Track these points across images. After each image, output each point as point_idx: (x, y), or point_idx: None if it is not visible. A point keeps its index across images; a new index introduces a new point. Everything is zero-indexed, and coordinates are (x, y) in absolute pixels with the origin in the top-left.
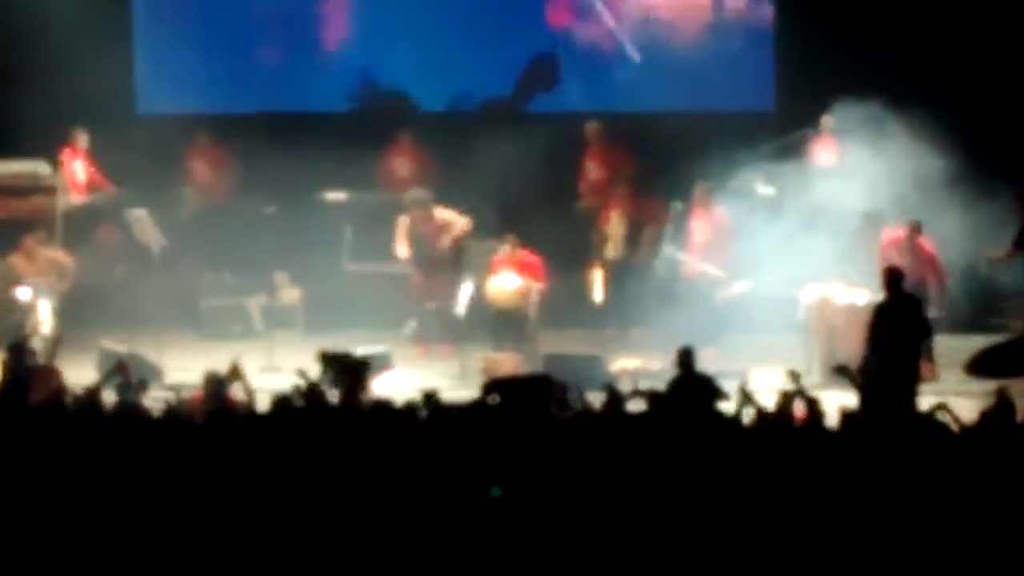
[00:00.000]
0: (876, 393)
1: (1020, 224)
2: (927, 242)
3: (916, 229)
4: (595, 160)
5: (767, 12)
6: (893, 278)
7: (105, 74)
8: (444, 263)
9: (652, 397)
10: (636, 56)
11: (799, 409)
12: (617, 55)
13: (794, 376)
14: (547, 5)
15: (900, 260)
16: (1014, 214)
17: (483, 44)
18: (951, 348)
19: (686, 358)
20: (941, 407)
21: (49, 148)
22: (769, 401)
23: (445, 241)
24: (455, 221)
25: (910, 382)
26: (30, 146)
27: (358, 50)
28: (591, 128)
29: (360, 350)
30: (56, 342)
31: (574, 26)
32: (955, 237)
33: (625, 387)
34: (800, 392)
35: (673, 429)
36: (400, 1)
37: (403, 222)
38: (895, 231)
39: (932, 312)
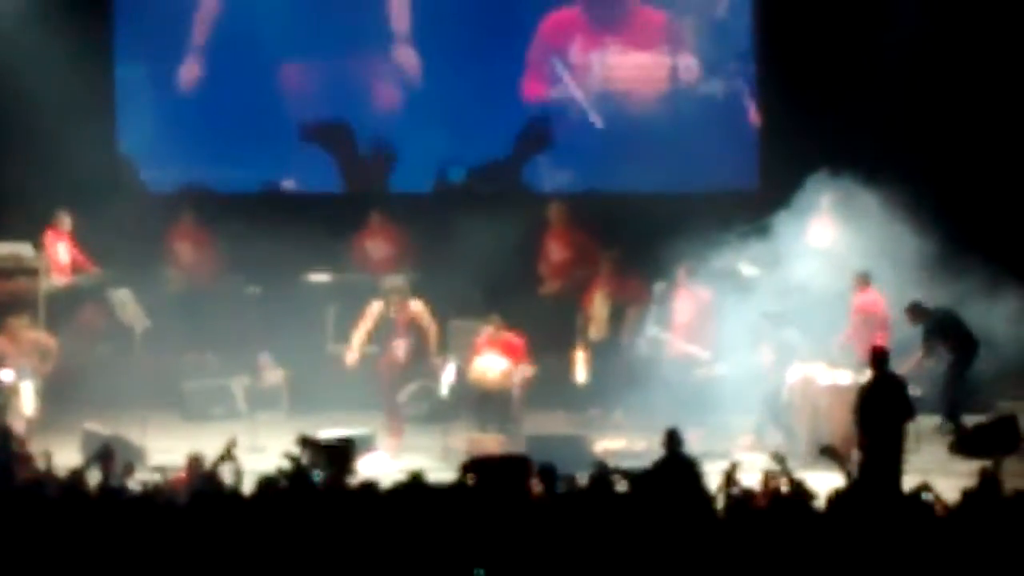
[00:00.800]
0: (863, 473)
1: (924, 329)
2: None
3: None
4: (558, 242)
5: (748, 95)
6: (878, 358)
7: (89, 153)
8: (407, 352)
9: (636, 478)
10: (599, 123)
11: (784, 490)
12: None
13: (778, 458)
14: (522, 79)
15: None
16: (983, 295)
17: (462, 121)
18: (935, 427)
19: (673, 439)
20: (925, 487)
21: (33, 229)
22: (753, 482)
23: (410, 335)
24: (427, 325)
25: (895, 462)
26: (13, 228)
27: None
28: (555, 209)
29: (343, 432)
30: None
31: (549, 99)
32: None
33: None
34: (785, 473)
35: (658, 510)
36: (364, 83)
37: (373, 309)
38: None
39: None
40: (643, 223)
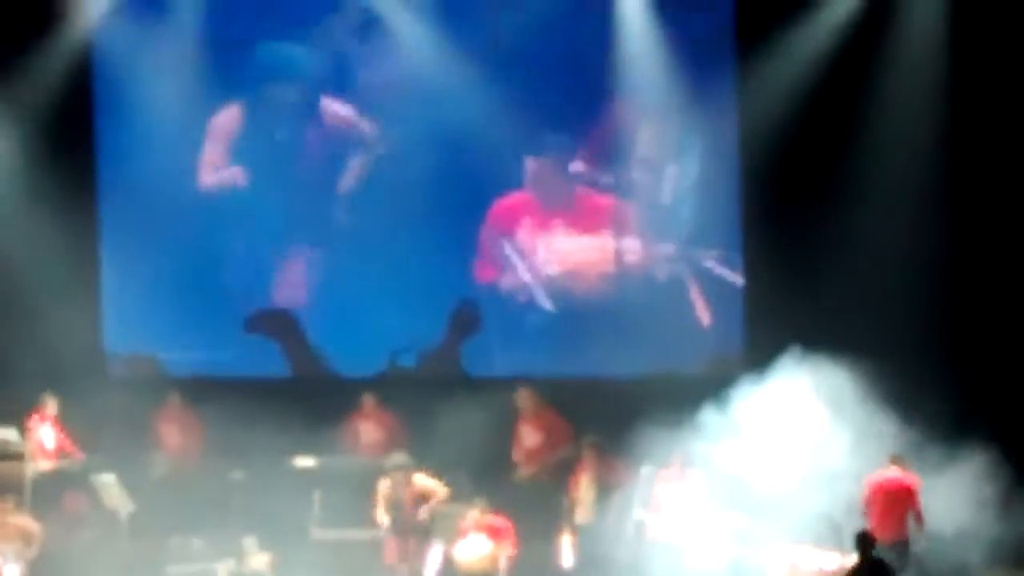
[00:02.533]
0: None
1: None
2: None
3: (897, 463)
4: (530, 426)
5: (691, 277)
6: (865, 543)
7: (73, 337)
8: (418, 530)
9: None
10: (548, 306)
11: None
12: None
13: None
14: (472, 261)
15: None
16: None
17: (414, 306)
18: None
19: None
20: None
21: (17, 413)
22: None
23: (423, 511)
24: (434, 490)
25: None
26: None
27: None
28: (523, 395)
29: None
30: None
31: (499, 283)
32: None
33: None
34: None
35: None
36: (340, 269)
37: (384, 486)
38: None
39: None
40: (609, 405)
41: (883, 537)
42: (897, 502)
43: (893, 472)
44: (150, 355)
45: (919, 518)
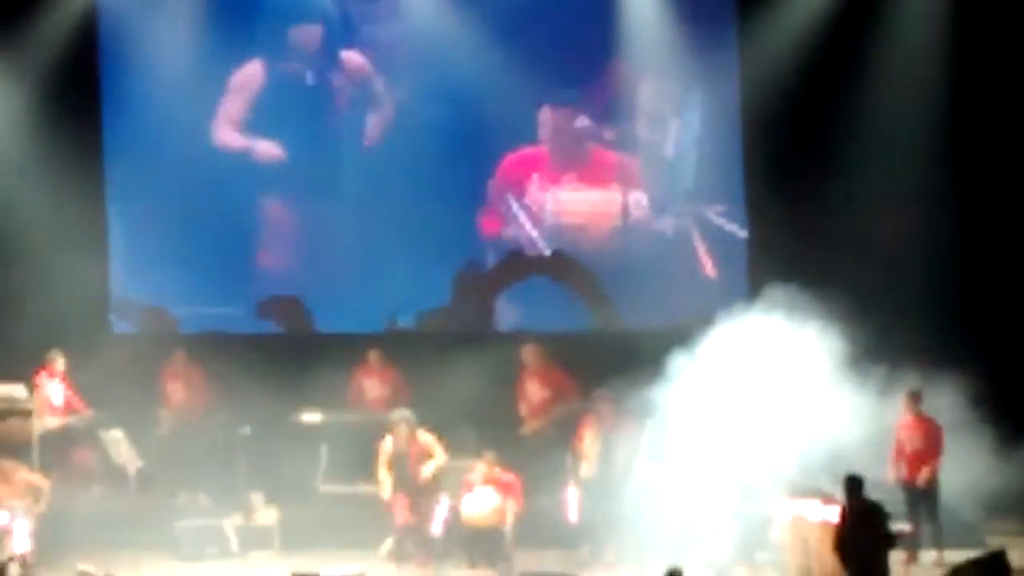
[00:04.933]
0: None
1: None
2: (929, 416)
3: (915, 400)
4: (536, 382)
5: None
6: (852, 486)
7: (80, 293)
8: (423, 488)
9: None
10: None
11: None
12: None
13: None
14: (477, 215)
15: (909, 437)
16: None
17: (422, 259)
18: (924, 565)
19: None
20: None
21: (25, 370)
22: None
23: (426, 471)
24: (435, 452)
25: None
26: (5, 369)
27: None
28: (529, 351)
29: (335, 571)
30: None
31: (505, 236)
32: None
33: None
34: None
35: None
36: (340, 221)
37: (386, 445)
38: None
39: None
40: (615, 359)
41: (914, 478)
42: (924, 442)
43: (915, 413)
44: (160, 307)
45: (936, 458)
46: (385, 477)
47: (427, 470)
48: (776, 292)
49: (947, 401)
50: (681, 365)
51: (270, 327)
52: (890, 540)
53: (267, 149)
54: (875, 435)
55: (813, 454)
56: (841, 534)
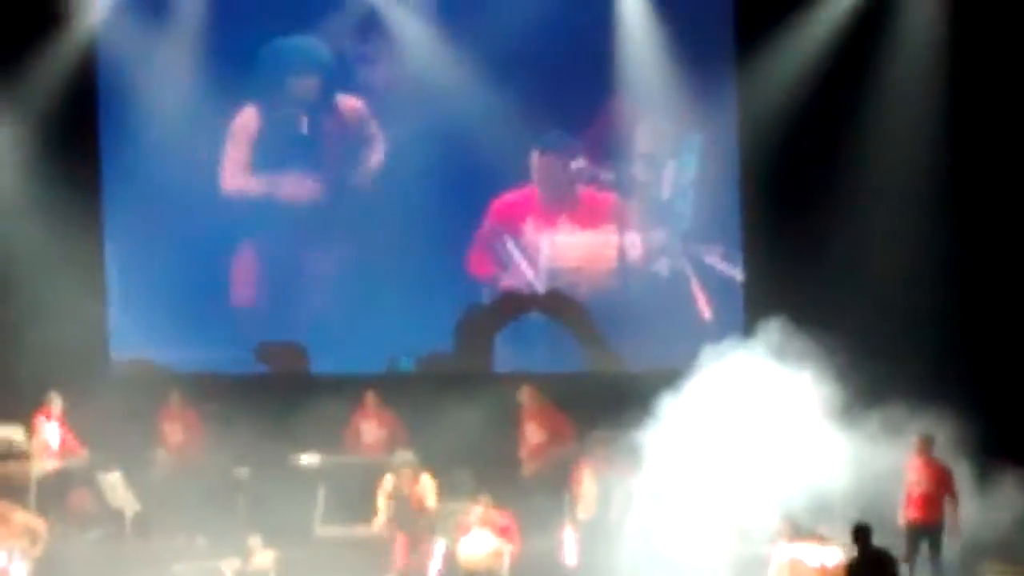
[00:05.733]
0: None
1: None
2: (939, 459)
3: (926, 445)
4: (533, 423)
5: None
6: (861, 535)
7: (79, 334)
8: (422, 526)
9: None
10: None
11: None
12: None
13: None
14: (468, 257)
15: (918, 480)
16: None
17: (418, 302)
18: None
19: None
20: None
21: (22, 408)
22: None
23: (426, 508)
24: (429, 501)
25: None
26: (4, 410)
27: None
28: (526, 392)
29: None
30: None
31: (498, 279)
32: None
33: None
34: None
35: None
36: (336, 265)
37: (388, 482)
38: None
39: (949, 535)
40: (611, 401)
41: (925, 520)
42: (936, 485)
43: (926, 455)
44: (148, 359)
45: (955, 503)
46: (383, 506)
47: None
48: (769, 331)
49: (943, 440)
50: (675, 406)
51: (268, 370)
52: None
53: (292, 186)
54: (871, 478)
55: (808, 497)
56: None
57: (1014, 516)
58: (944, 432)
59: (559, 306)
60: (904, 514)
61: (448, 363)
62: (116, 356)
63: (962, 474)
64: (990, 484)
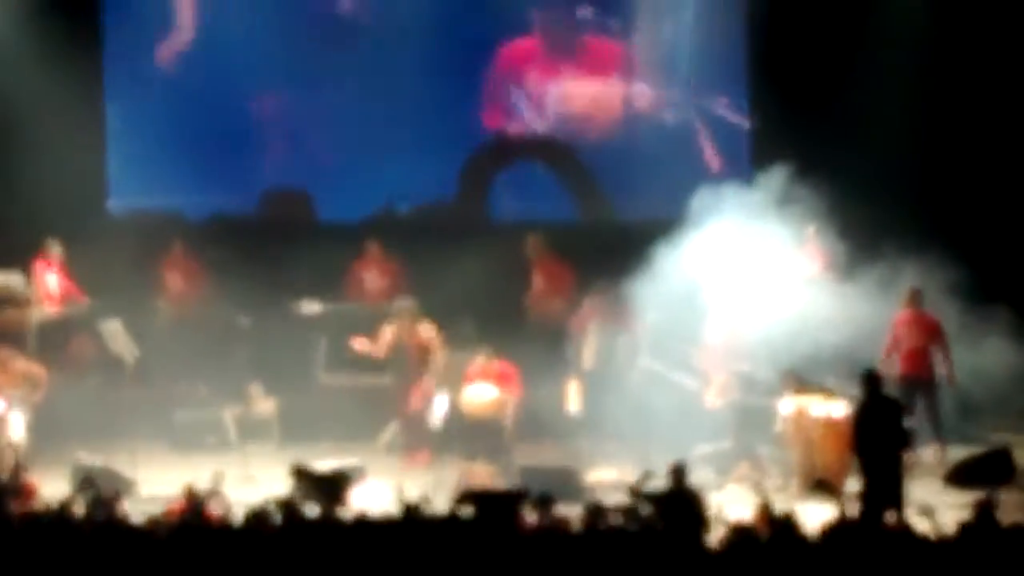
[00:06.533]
0: (863, 500)
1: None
2: (929, 312)
3: (916, 297)
4: (536, 272)
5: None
6: (870, 382)
7: (77, 180)
8: (421, 375)
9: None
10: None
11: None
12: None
13: (759, 489)
14: (476, 106)
15: (908, 333)
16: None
17: (423, 151)
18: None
19: (679, 474)
20: (927, 512)
21: (21, 258)
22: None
23: (428, 355)
24: (434, 348)
25: (895, 488)
26: (3, 257)
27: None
28: (530, 241)
29: (333, 462)
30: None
31: (508, 129)
32: None
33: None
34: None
35: (654, 543)
36: (341, 112)
37: (386, 334)
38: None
39: (943, 383)
40: (617, 251)
41: (917, 374)
42: (924, 338)
43: (916, 308)
44: (146, 208)
45: (947, 354)
46: (381, 347)
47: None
48: (770, 179)
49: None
50: (677, 255)
51: (273, 216)
52: (906, 435)
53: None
54: (874, 330)
55: (815, 349)
56: (858, 429)
57: (1009, 371)
58: (941, 278)
59: (556, 153)
60: (890, 367)
61: (443, 209)
62: (115, 203)
63: (956, 324)
64: (985, 335)
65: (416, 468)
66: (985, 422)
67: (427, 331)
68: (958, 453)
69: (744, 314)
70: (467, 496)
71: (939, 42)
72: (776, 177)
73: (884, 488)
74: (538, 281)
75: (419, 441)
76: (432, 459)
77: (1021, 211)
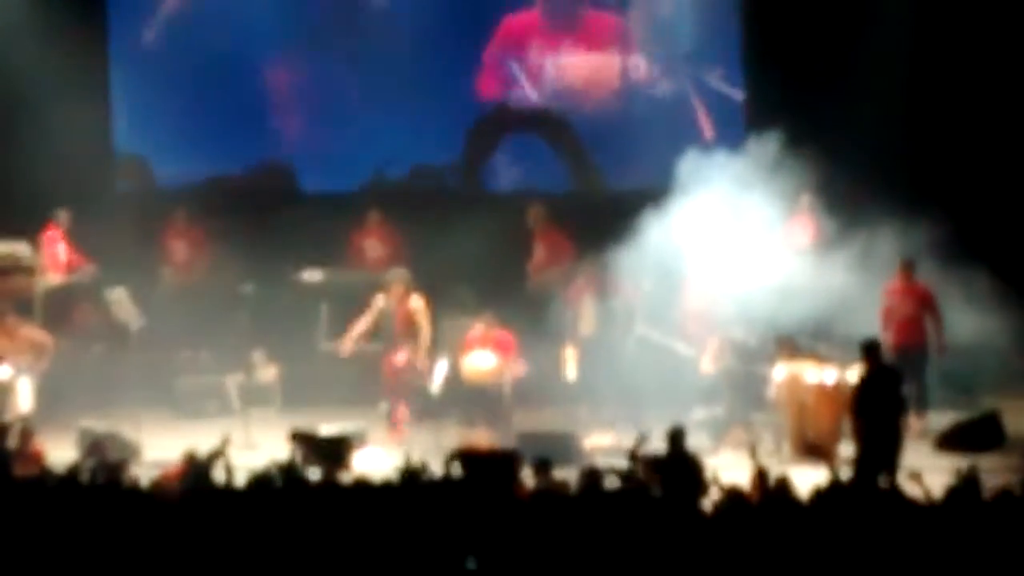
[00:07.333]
0: (858, 466)
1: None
2: (920, 281)
3: (908, 268)
4: (540, 242)
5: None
6: (871, 351)
7: (84, 150)
8: (402, 344)
9: (631, 475)
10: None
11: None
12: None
13: (754, 453)
14: (474, 77)
15: (900, 303)
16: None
17: (416, 119)
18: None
19: (677, 438)
20: (915, 476)
21: (27, 225)
22: (742, 478)
23: (415, 327)
24: (421, 320)
25: (891, 455)
26: (8, 225)
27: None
28: (531, 211)
29: (334, 428)
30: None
31: (504, 99)
32: None
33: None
34: (761, 469)
35: (650, 507)
36: (338, 81)
37: (378, 302)
38: (892, 281)
39: (934, 352)
40: (614, 220)
41: (908, 344)
42: (916, 308)
43: (908, 278)
44: (160, 162)
45: (939, 323)
46: (355, 332)
47: (400, 361)
48: (760, 146)
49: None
50: (668, 223)
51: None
52: (904, 403)
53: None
54: (865, 298)
55: (808, 315)
56: (859, 396)
57: (1013, 339)
58: (936, 239)
59: (552, 125)
60: (889, 339)
61: (437, 173)
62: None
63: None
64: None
65: (394, 439)
66: (968, 387)
67: (416, 302)
68: (944, 419)
69: (722, 282)
70: (456, 455)
71: (930, 16)
72: (766, 145)
73: (881, 454)
74: (539, 251)
75: (397, 410)
76: (407, 432)
77: (1011, 183)
